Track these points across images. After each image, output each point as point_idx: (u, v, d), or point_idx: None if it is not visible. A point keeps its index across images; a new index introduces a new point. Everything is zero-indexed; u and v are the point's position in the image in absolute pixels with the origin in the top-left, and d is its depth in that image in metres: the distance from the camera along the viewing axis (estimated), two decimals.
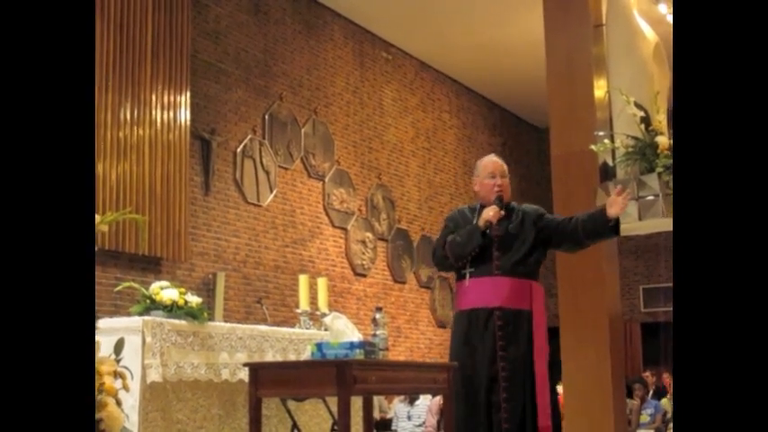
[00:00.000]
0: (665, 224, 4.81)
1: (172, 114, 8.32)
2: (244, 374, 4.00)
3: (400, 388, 4.89)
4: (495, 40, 11.81)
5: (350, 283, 10.81)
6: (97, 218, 3.20)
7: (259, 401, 3.53)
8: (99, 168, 7.47)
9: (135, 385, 3.65)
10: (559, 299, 5.51)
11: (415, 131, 12.53)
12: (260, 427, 3.53)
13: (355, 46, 11.44)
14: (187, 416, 4.01)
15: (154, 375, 3.79)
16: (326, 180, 10.59)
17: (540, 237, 4.40)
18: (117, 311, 6.81)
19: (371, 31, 11.70)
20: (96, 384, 3.01)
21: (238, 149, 9.34)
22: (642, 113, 4.89)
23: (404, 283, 11.84)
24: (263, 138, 9.71)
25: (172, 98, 8.33)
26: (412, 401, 8.77)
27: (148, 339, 3.81)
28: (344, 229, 10.82)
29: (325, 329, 4.72)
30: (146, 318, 3.90)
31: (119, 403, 3.13)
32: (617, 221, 4.23)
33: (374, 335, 3.79)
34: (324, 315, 4.92)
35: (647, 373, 12.66)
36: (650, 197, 4.74)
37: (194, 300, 4.16)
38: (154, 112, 8.14)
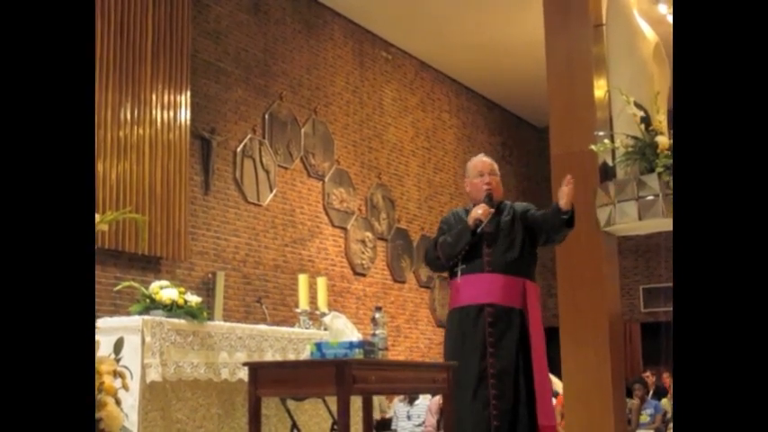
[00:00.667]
0: (664, 224, 4.81)
1: (172, 114, 8.32)
2: (243, 374, 4.00)
3: (400, 388, 4.89)
4: (495, 40, 11.81)
5: (349, 283, 10.81)
6: (97, 217, 3.20)
7: (258, 401, 3.53)
8: (99, 168, 7.47)
9: (134, 385, 3.64)
10: (559, 298, 5.51)
11: (414, 131, 12.53)
12: (259, 426, 3.53)
13: (355, 45, 11.44)
14: (187, 415, 4.00)
15: (153, 375, 3.79)
16: (326, 179, 10.59)
17: (528, 232, 4.42)
18: (116, 311, 6.81)
19: (371, 31, 11.70)
20: (96, 384, 3.01)
21: (238, 149, 9.33)
22: (642, 113, 4.89)
23: (403, 282, 11.84)
24: (263, 137, 9.71)
25: (172, 97, 8.33)
26: (411, 401, 8.77)
27: (148, 339, 3.81)
28: (344, 229, 10.82)
29: (325, 329, 4.72)
30: (145, 317, 3.90)
31: (118, 403, 3.13)
32: (572, 214, 4.23)
33: (374, 334, 3.80)
34: (323, 315, 4.93)
35: (648, 373, 12.66)
36: (650, 197, 4.74)
37: (194, 299, 4.16)
38: (154, 112, 8.14)
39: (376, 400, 7.79)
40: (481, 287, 4.35)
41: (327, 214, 10.56)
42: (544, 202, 5.37)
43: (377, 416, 8.36)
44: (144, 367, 3.77)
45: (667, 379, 12.27)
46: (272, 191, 9.70)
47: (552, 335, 5.76)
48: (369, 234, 11.23)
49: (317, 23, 10.77)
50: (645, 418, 10.11)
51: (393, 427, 8.85)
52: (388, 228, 11.66)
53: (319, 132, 10.60)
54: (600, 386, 5.13)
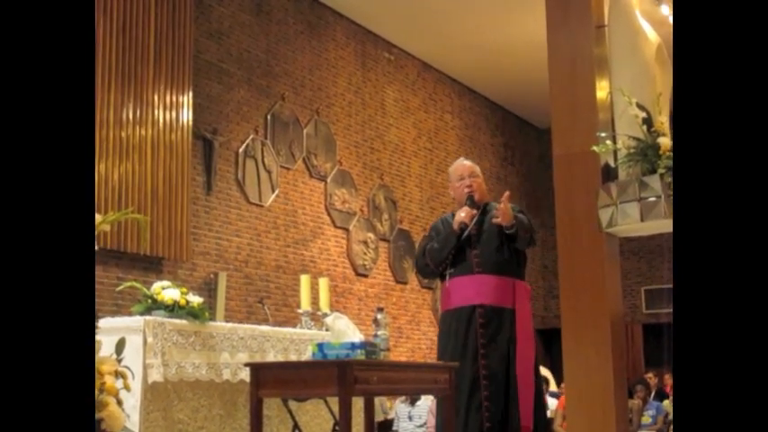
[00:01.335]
0: (666, 225, 4.80)
1: (174, 114, 8.32)
2: (245, 374, 4.00)
3: (401, 388, 4.89)
4: (497, 41, 11.81)
5: (351, 284, 10.80)
6: (99, 217, 3.20)
7: (260, 402, 3.53)
8: (101, 168, 7.48)
9: (136, 385, 3.65)
10: (561, 300, 5.50)
11: (416, 132, 12.53)
12: (261, 427, 3.53)
13: (357, 46, 11.44)
14: (188, 416, 4.01)
15: (155, 375, 3.79)
16: (328, 180, 10.59)
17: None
18: (118, 311, 6.82)
19: (374, 32, 11.70)
20: (97, 384, 3.01)
21: (240, 149, 9.34)
22: (644, 114, 4.88)
23: (405, 283, 11.84)
24: (265, 138, 9.71)
25: (174, 98, 8.34)
26: (413, 402, 8.76)
27: (150, 339, 3.81)
28: (346, 230, 10.82)
29: (327, 330, 4.72)
30: (147, 317, 3.90)
31: (120, 403, 3.13)
32: (516, 229, 4.29)
33: (375, 335, 3.80)
34: (325, 315, 4.92)
35: (649, 375, 12.65)
36: (652, 198, 4.73)
37: (196, 300, 4.17)
38: (156, 112, 8.14)
39: (377, 400, 7.80)
40: (472, 288, 4.37)
41: (329, 215, 10.57)
42: (545, 202, 5.37)
43: (378, 417, 8.36)
44: (146, 368, 3.77)
45: (669, 380, 12.25)
46: (274, 191, 9.70)
47: (554, 336, 5.76)
48: (371, 235, 11.23)
49: (319, 24, 10.77)
50: (647, 419, 10.11)
51: (394, 428, 8.85)
52: (390, 229, 11.65)
53: (321, 133, 10.60)
54: (602, 387, 5.12)
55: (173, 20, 8.42)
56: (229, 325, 4.39)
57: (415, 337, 11.94)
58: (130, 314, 4.17)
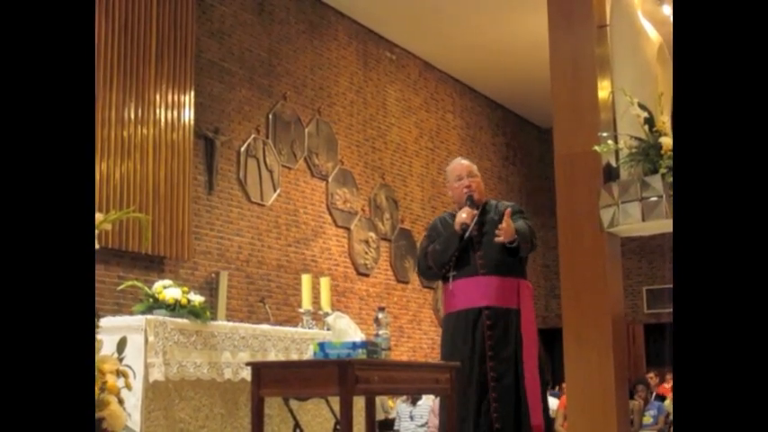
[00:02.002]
0: (668, 225, 4.80)
1: (176, 113, 8.33)
2: (246, 374, 4.00)
3: (403, 388, 4.89)
4: (498, 41, 11.80)
5: (352, 283, 10.81)
6: (100, 216, 3.20)
7: (261, 401, 3.53)
8: (103, 167, 7.48)
9: (137, 384, 3.65)
10: (562, 299, 5.50)
11: (418, 131, 12.53)
12: (262, 426, 3.53)
13: (359, 46, 11.44)
14: (189, 415, 4.01)
15: (156, 374, 3.79)
16: (330, 180, 10.59)
17: None
18: (120, 310, 6.82)
19: (375, 31, 11.70)
20: (99, 383, 3.01)
21: (242, 149, 9.34)
22: (646, 114, 4.88)
23: (406, 283, 11.84)
24: (267, 137, 9.72)
25: (176, 97, 8.34)
26: (414, 402, 8.77)
27: (151, 338, 3.81)
28: (347, 229, 10.82)
29: (328, 329, 4.72)
30: (148, 317, 3.90)
31: (121, 402, 3.13)
32: (518, 243, 4.27)
33: (377, 335, 3.79)
34: (326, 315, 4.92)
35: (651, 375, 12.64)
36: (654, 198, 4.73)
37: (197, 299, 4.17)
38: (158, 112, 8.14)
39: (378, 400, 7.80)
40: (477, 290, 4.34)
41: (331, 214, 10.57)
42: (547, 202, 5.37)
43: (380, 416, 8.36)
44: (147, 367, 3.77)
45: (669, 382, 12.24)
46: (275, 191, 9.71)
47: (555, 336, 5.75)
48: (372, 234, 11.24)
49: (321, 24, 10.77)
50: (648, 419, 10.11)
51: (396, 428, 8.86)
52: (391, 228, 11.66)
53: (323, 132, 10.60)
54: (603, 387, 5.12)
55: (174, 19, 8.43)
56: (231, 324, 4.39)
57: (417, 337, 11.94)
58: (132, 313, 4.17)
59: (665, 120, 4.95)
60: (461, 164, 4.62)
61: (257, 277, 9.36)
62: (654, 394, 11.22)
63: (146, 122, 8.01)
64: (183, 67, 8.45)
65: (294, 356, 4.55)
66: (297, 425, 4.21)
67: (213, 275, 8.76)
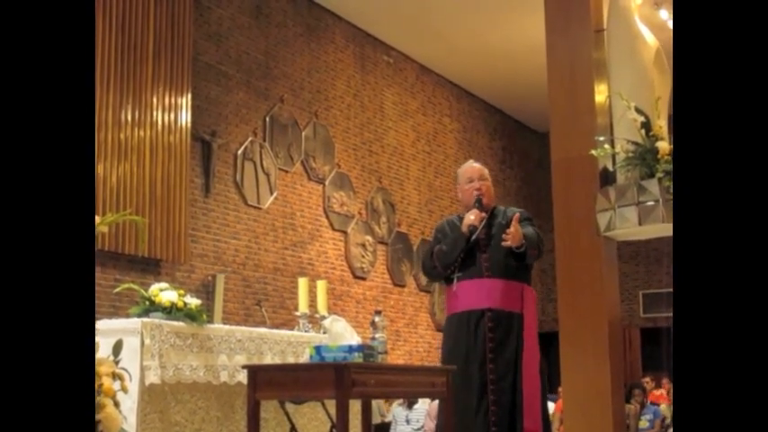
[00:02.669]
0: (664, 229, 4.81)
1: (173, 116, 8.32)
2: (242, 377, 3.99)
3: (399, 391, 4.88)
4: (496, 45, 11.82)
5: (349, 287, 10.80)
6: (97, 219, 3.20)
7: (257, 404, 3.53)
8: (99, 169, 7.47)
9: (133, 387, 3.64)
10: (559, 303, 5.50)
11: (415, 135, 12.53)
12: (258, 429, 3.52)
13: (356, 49, 11.44)
14: (185, 418, 4.00)
15: (152, 377, 3.78)
16: (327, 183, 10.59)
17: None
18: (116, 313, 6.81)
19: (372, 35, 11.70)
20: (95, 386, 3.00)
21: (239, 152, 9.34)
22: (643, 118, 4.89)
23: (403, 286, 11.84)
24: (264, 140, 9.71)
25: (173, 100, 8.34)
26: (410, 405, 8.75)
27: (147, 341, 3.80)
28: (344, 232, 10.81)
29: (324, 332, 4.71)
30: (144, 319, 3.89)
31: (117, 405, 3.13)
32: (526, 248, 4.29)
33: (373, 338, 3.79)
34: (323, 318, 4.92)
35: (647, 379, 12.65)
36: (650, 202, 4.74)
37: (193, 302, 4.16)
38: (155, 114, 8.14)
39: (375, 403, 7.79)
40: (481, 292, 4.35)
41: (328, 218, 10.56)
42: (544, 206, 5.37)
43: (376, 420, 8.35)
44: (143, 369, 3.77)
45: (666, 385, 12.25)
46: (272, 194, 9.70)
47: (552, 339, 5.75)
48: (369, 238, 11.23)
49: (318, 27, 10.78)
50: (644, 423, 10.11)
51: (392, 431, 8.84)
52: (388, 231, 11.65)
53: (320, 136, 10.60)
54: (599, 391, 5.12)
55: (172, 22, 8.43)
56: (227, 327, 4.38)
57: (413, 340, 11.94)
58: (128, 316, 4.16)
59: (661, 124, 4.96)
60: (473, 167, 4.63)
61: (254, 280, 9.35)
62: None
63: (143, 125, 8.00)
64: (181, 69, 8.45)
65: (290, 360, 4.55)
66: (293, 428, 4.21)
67: (210, 278, 8.75)
